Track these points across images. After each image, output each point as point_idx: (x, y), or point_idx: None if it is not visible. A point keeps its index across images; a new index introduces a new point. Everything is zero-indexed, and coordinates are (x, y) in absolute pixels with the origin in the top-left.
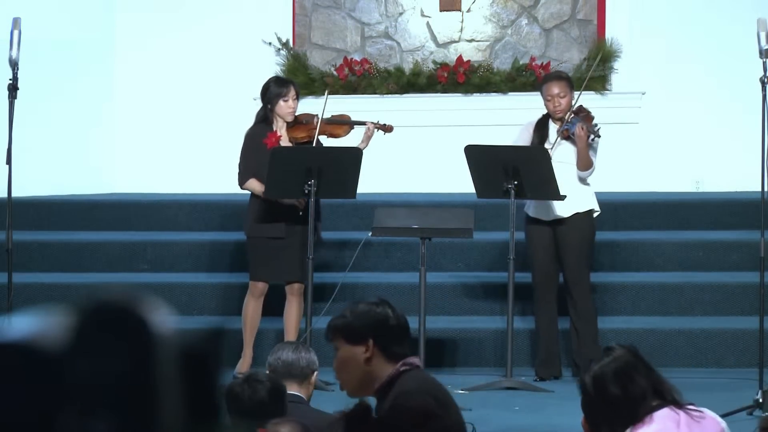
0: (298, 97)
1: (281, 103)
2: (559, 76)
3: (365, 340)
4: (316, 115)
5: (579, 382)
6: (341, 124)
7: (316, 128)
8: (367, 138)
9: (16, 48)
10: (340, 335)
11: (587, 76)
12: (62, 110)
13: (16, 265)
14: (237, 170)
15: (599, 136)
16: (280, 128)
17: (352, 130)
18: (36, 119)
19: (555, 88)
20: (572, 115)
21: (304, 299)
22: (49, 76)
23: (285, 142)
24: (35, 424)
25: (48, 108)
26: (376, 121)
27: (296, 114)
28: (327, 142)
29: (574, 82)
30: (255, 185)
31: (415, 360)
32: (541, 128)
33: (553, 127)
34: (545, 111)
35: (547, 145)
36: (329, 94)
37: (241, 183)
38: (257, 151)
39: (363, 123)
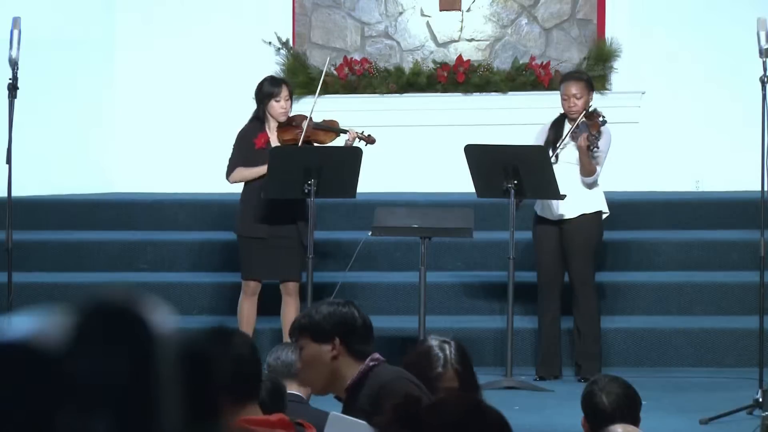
0: (291, 98)
1: (273, 103)
2: (579, 77)
3: (331, 339)
4: (306, 118)
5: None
6: (327, 130)
7: (302, 132)
8: (348, 145)
9: (16, 48)
10: (307, 334)
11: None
12: (62, 110)
13: (15, 265)
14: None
15: (597, 148)
16: (272, 128)
17: (338, 137)
18: (36, 119)
19: (573, 88)
20: (584, 119)
21: (303, 299)
22: (49, 76)
23: (274, 142)
24: (35, 424)
25: (48, 108)
26: (360, 132)
27: (291, 114)
28: None
29: None
30: (241, 172)
31: (379, 355)
32: (556, 126)
33: (568, 127)
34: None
35: (560, 144)
36: (321, 94)
37: (228, 175)
38: (247, 150)
39: (344, 130)
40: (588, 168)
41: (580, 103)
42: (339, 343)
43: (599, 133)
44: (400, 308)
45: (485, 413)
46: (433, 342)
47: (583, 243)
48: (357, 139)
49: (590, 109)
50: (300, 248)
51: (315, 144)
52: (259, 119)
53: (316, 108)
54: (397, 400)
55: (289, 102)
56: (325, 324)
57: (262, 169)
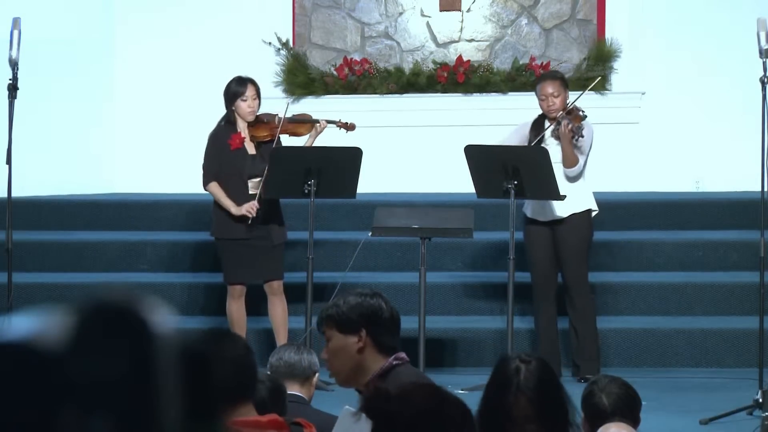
0: (258, 96)
1: (240, 102)
2: (554, 76)
3: (358, 331)
4: (277, 114)
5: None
6: (302, 122)
7: (277, 127)
8: (315, 134)
9: (16, 48)
10: (333, 324)
11: (588, 84)
12: (62, 110)
13: (16, 265)
14: (201, 171)
15: (582, 136)
16: (243, 128)
17: (313, 128)
18: (36, 119)
19: (549, 88)
20: (563, 114)
21: (303, 299)
22: (49, 76)
23: (248, 141)
24: (36, 424)
25: (48, 108)
26: (338, 119)
27: (259, 113)
28: (289, 140)
29: (574, 82)
30: (215, 190)
31: (405, 355)
32: (537, 128)
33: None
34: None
35: (542, 144)
36: (325, 93)
37: (204, 184)
38: (221, 153)
39: (320, 120)
40: (571, 158)
41: (557, 101)
42: (365, 335)
43: (581, 125)
44: (400, 308)
45: (447, 401)
46: (512, 363)
47: (576, 243)
48: (338, 127)
49: (569, 107)
50: (278, 248)
51: (292, 137)
52: (229, 122)
53: (320, 106)
54: (367, 393)
55: (257, 101)
56: (351, 315)
57: (229, 204)
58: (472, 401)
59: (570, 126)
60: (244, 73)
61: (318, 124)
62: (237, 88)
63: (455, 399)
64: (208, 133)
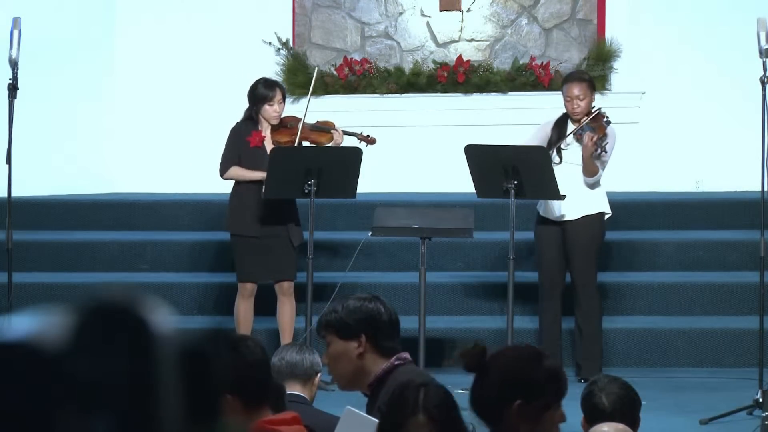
0: (284, 100)
1: (267, 107)
2: (581, 78)
3: (357, 336)
4: (301, 119)
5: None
6: (323, 132)
7: (298, 134)
8: (335, 145)
9: (16, 48)
10: (333, 330)
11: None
12: (62, 110)
13: (16, 265)
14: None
15: (605, 152)
16: (265, 129)
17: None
18: (36, 119)
19: (575, 90)
20: (588, 122)
21: (303, 299)
22: (49, 76)
23: (268, 143)
24: (35, 424)
25: (48, 108)
26: (360, 132)
27: (282, 116)
28: None
29: None
30: (237, 171)
31: (407, 355)
32: (560, 126)
33: (571, 127)
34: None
35: (563, 145)
36: (325, 93)
37: (222, 172)
38: (240, 147)
39: (346, 132)
40: (590, 168)
41: (583, 104)
42: (365, 340)
43: (605, 135)
44: (400, 308)
45: (543, 362)
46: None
47: (586, 244)
48: (359, 140)
49: (594, 111)
50: (292, 248)
51: (313, 145)
52: (252, 119)
53: (320, 106)
54: (462, 348)
55: (282, 105)
56: (350, 320)
57: (259, 174)
58: None
59: (594, 138)
60: (243, 73)
61: (336, 134)
62: (266, 92)
63: (552, 363)
64: (205, 133)
